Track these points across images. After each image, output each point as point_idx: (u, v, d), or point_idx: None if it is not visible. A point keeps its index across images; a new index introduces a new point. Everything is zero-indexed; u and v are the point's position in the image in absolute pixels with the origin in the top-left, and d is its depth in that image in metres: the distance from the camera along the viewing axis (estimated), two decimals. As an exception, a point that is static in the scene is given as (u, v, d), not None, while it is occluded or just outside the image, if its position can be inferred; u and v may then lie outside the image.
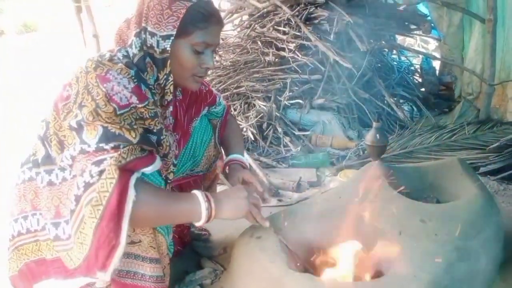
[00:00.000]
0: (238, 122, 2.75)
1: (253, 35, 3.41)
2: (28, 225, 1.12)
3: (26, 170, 1.15)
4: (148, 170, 1.05)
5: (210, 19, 1.14)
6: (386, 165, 1.63)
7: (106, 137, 0.99)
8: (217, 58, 3.62)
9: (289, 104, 2.89)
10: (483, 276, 1.22)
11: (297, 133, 2.74)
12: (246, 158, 1.76)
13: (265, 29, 3.30)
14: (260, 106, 2.83)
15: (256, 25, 3.42)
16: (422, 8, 3.72)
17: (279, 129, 2.70)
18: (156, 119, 1.10)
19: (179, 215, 1.14)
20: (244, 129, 2.69)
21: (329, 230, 1.34)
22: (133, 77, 1.07)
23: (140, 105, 1.05)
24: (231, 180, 1.42)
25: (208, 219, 1.13)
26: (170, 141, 1.18)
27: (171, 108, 1.22)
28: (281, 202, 2.04)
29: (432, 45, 4.88)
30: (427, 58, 3.77)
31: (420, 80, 3.79)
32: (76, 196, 0.99)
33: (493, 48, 2.67)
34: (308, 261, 1.28)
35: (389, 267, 1.19)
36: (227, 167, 1.47)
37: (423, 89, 3.61)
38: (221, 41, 3.83)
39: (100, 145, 0.98)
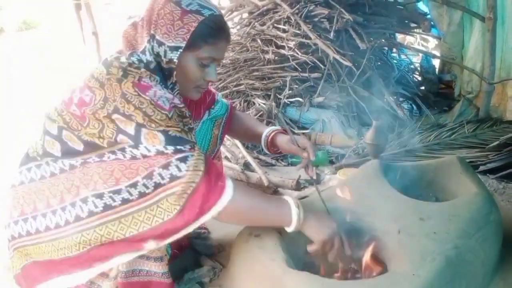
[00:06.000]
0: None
1: (253, 33, 3.41)
2: (28, 227, 1.09)
3: (24, 171, 1.12)
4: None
5: (220, 35, 1.14)
6: (386, 164, 1.63)
7: (171, 141, 1.03)
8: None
9: (289, 102, 2.89)
10: (482, 274, 1.22)
11: (296, 131, 2.74)
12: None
13: (264, 27, 3.30)
14: (259, 104, 2.82)
15: (255, 23, 3.42)
16: (422, 6, 3.71)
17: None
18: (189, 118, 1.16)
19: (270, 218, 1.18)
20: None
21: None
22: (160, 82, 1.10)
23: (180, 105, 1.10)
24: (287, 146, 1.39)
25: (297, 225, 1.15)
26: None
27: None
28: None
29: (432, 44, 4.87)
30: (427, 56, 3.76)
31: (419, 78, 3.78)
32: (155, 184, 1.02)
33: (493, 47, 2.67)
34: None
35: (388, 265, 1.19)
36: (271, 141, 1.44)
37: (422, 88, 3.60)
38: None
39: (169, 147, 1.02)
